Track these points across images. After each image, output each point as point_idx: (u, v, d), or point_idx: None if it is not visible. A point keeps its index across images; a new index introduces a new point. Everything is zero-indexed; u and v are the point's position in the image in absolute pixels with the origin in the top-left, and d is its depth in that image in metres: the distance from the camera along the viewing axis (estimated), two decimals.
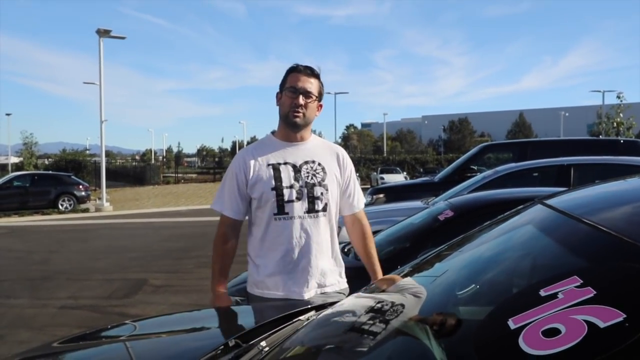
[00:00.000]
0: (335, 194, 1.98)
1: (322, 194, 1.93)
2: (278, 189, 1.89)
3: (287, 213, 1.89)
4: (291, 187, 1.90)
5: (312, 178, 1.93)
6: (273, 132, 2.05)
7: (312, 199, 1.91)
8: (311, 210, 1.91)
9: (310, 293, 1.91)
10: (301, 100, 1.90)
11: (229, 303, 2.00)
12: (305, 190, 1.91)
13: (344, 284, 2.03)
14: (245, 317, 1.87)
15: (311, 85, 1.93)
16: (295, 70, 1.95)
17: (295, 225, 1.89)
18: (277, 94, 1.99)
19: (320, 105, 2.02)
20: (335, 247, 2.01)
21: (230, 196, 1.96)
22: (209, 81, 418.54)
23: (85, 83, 24.96)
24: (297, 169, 1.93)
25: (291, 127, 1.94)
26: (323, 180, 1.94)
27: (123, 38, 18.41)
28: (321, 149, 2.02)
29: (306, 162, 1.95)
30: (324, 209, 1.94)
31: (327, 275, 1.95)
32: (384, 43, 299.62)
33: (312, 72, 1.95)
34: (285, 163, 1.93)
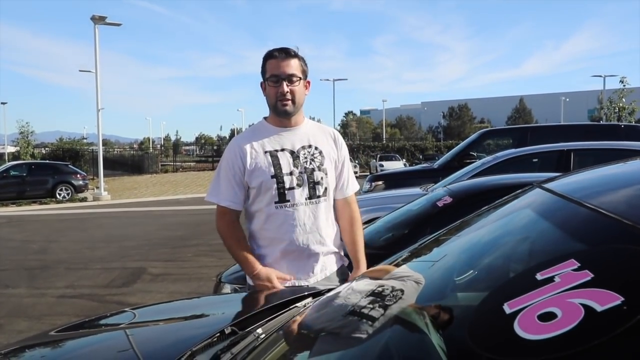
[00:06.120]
0: (333, 177, 1.96)
1: (322, 178, 1.90)
2: (278, 177, 1.85)
3: (289, 201, 1.86)
4: (291, 173, 1.86)
5: (310, 163, 1.90)
6: (265, 118, 1.99)
7: (312, 185, 1.89)
8: (312, 195, 1.89)
9: (316, 278, 1.90)
10: (285, 87, 1.84)
11: (274, 273, 1.87)
12: (305, 176, 1.88)
13: (345, 263, 2.03)
14: (244, 304, 1.87)
15: (291, 67, 1.85)
16: (271, 57, 1.87)
17: (297, 212, 1.86)
18: (261, 83, 1.93)
19: (308, 82, 1.95)
20: (336, 230, 2.00)
21: (227, 186, 1.90)
22: (208, 68, 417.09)
23: (81, 71, 24.77)
24: (295, 155, 1.89)
25: (282, 115, 1.90)
26: (322, 164, 1.91)
27: (118, 25, 18.24)
28: (316, 133, 1.98)
29: (303, 147, 1.91)
30: (325, 194, 1.91)
31: (330, 258, 1.95)
32: (384, 29, 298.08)
33: (288, 54, 1.86)
34: (282, 149, 1.89)
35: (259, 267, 1.88)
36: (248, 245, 1.94)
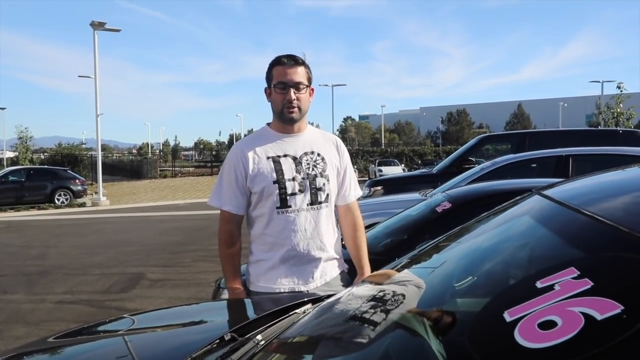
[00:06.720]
0: (335, 184, 1.97)
1: (324, 184, 1.91)
2: (280, 182, 1.86)
3: (290, 206, 1.87)
4: (293, 179, 1.87)
5: (313, 169, 1.91)
6: (269, 124, 2.00)
7: (314, 191, 1.90)
8: (314, 202, 1.90)
9: (315, 283, 1.90)
10: (293, 95, 1.85)
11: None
12: (307, 182, 1.89)
13: (345, 269, 2.04)
14: (244, 310, 1.86)
15: (298, 75, 1.86)
16: (279, 64, 1.88)
17: (299, 218, 1.87)
18: (266, 89, 1.94)
19: (313, 90, 1.96)
20: (337, 236, 2.01)
21: (229, 190, 1.91)
22: (207, 74, 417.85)
23: (80, 76, 24.77)
24: (297, 161, 1.90)
25: (288, 122, 1.91)
26: (324, 170, 1.93)
27: (118, 31, 18.30)
28: (319, 139, 2.00)
29: (306, 153, 1.92)
30: (326, 200, 1.93)
31: (330, 265, 1.96)
32: (383, 35, 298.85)
33: (296, 62, 1.88)
34: (285, 155, 1.90)
35: (240, 288, 1.94)
36: (239, 259, 1.98)
